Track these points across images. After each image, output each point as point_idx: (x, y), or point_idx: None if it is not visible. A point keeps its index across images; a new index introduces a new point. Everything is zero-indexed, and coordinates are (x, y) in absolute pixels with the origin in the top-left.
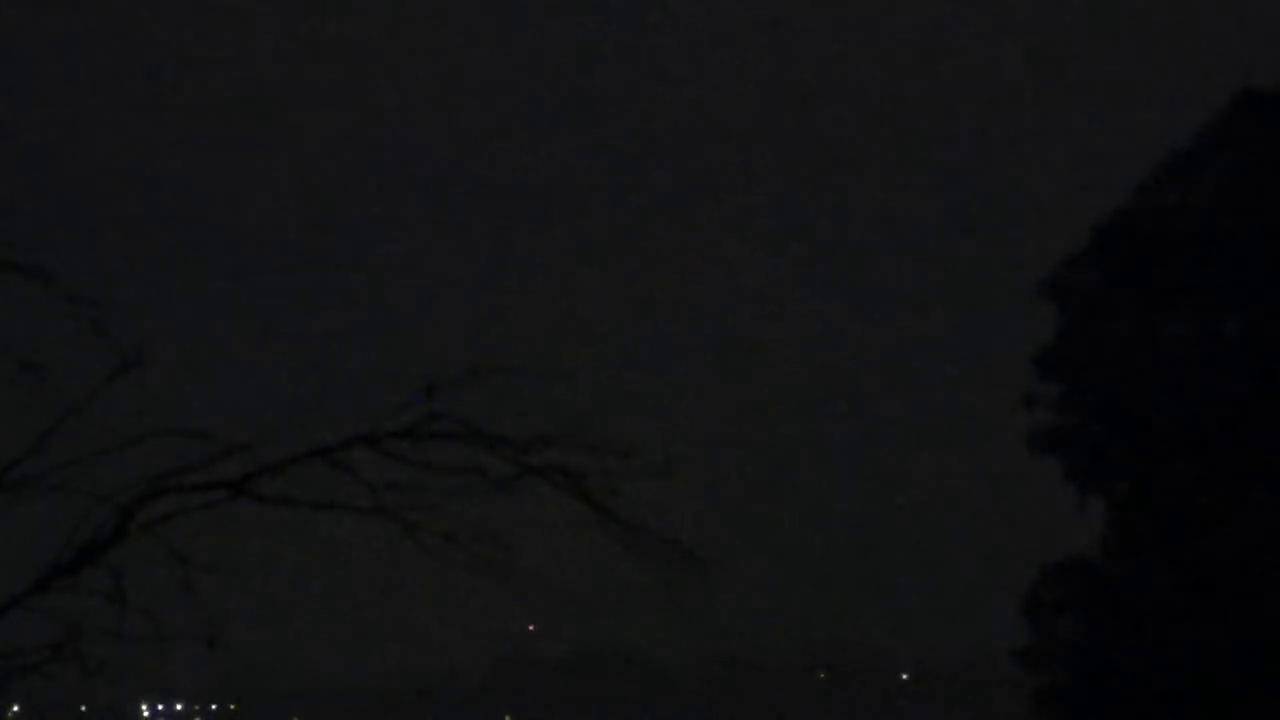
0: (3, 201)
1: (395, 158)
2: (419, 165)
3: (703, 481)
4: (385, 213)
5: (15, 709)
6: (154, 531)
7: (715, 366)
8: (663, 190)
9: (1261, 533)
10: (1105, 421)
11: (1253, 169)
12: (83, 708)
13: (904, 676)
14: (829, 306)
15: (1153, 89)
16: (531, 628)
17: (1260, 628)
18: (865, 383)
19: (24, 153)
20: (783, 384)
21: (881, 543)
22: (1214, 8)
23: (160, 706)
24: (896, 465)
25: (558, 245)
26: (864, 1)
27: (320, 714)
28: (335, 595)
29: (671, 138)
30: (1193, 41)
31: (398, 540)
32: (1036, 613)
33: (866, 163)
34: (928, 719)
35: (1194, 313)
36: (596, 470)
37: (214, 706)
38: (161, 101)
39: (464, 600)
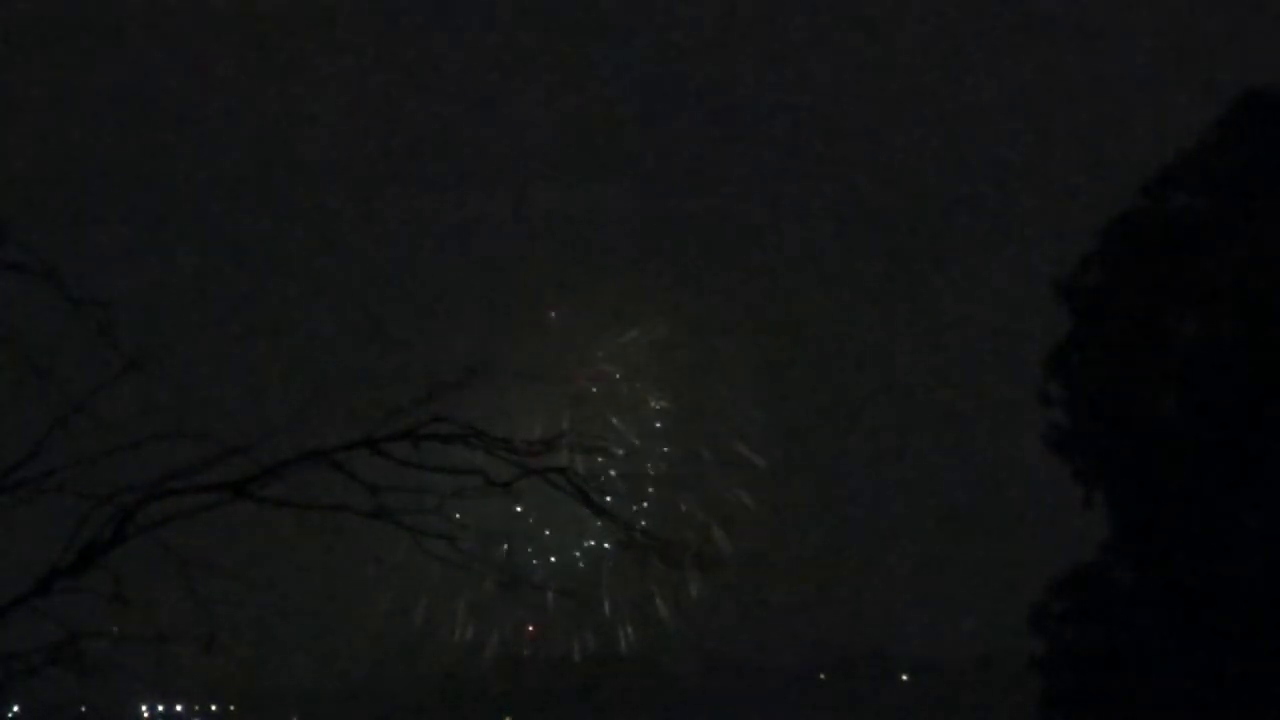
0: (7, 202)
1: (398, 159)
2: (421, 167)
3: (703, 481)
4: (387, 215)
5: (15, 709)
6: (154, 533)
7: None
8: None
9: (1267, 535)
10: (1109, 422)
11: (1257, 170)
12: (82, 708)
13: (904, 677)
14: (837, 304)
15: (1167, 88)
16: (531, 628)
17: (1265, 631)
18: (870, 382)
19: (26, 152)
20: (785, 383)
21: (883, 542)
22: (1222, 7)
23: (160, 707)
24: (900, 463)
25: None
26: (864, 4)
27: (320, 714)
28: (335, 596)
29: (677, 134)
30: (1203, 41)
31: (397, 542)
32: (1045, 621)
33: (877, 158)
34: (928, 719)
35: (1200, 312)
36: (596, 472)
37: (213, 707)
38: (163, 101)
39: (463, 600)
